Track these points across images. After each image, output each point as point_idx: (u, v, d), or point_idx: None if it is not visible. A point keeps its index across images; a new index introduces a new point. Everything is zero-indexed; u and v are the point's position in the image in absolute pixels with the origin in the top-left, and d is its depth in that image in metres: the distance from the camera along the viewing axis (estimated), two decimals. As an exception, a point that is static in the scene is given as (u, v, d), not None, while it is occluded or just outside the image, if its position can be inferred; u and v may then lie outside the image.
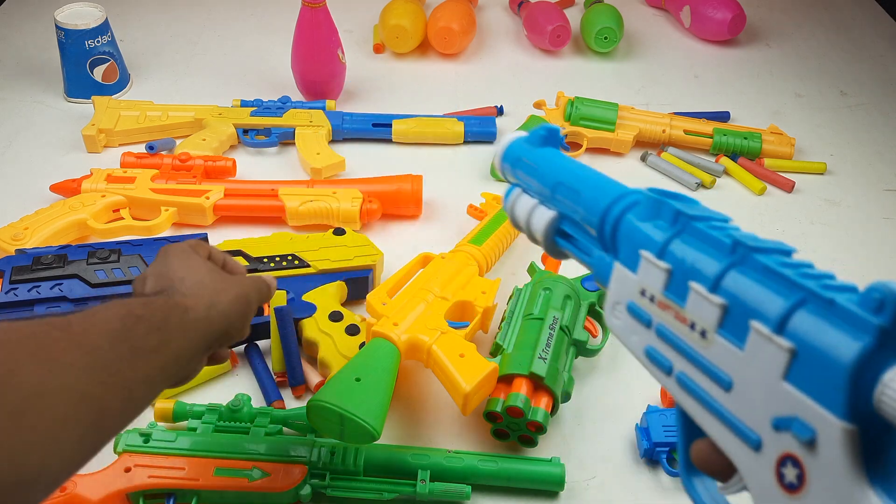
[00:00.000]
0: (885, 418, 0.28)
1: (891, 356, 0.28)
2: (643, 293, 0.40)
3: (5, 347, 0.37)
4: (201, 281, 0.51)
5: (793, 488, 0.31)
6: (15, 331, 0.38)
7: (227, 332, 0.51)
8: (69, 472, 0.38)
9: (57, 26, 1.01)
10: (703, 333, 0.36)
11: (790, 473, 0.31)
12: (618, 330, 0.42)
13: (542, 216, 0.49)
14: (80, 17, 1.03)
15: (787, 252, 0.36)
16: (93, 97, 1.02)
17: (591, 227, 0.45)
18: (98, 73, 1.06)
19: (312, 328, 0.72)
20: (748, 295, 0.34)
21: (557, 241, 0.49)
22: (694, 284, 0.36)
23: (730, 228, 0.38)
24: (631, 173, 1.00)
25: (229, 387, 0.71)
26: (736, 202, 0.97)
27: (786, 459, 0.31)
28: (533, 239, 0.51)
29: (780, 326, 0.31)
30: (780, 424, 0.31)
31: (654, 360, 0.40)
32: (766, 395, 0.32)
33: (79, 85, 1.06)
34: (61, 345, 0.39)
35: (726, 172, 1.00)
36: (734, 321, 0.34)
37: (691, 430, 0.38)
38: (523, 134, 0.54)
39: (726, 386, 0.34)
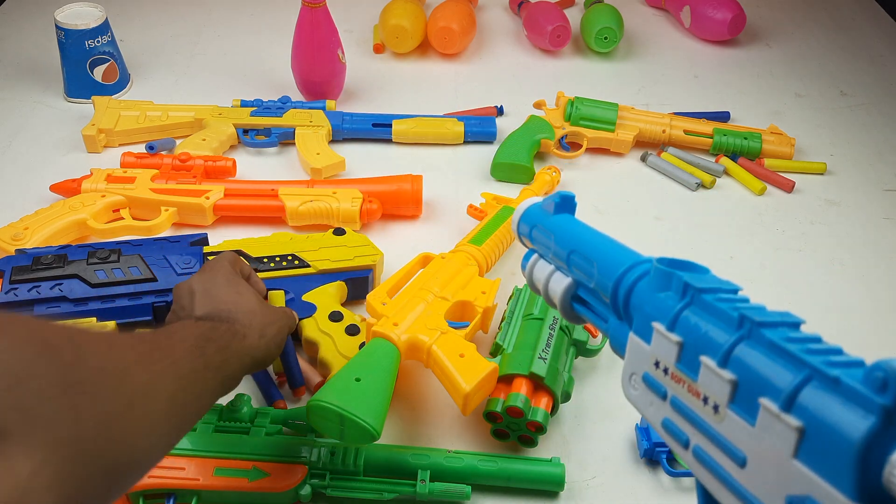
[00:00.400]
0: (894, 498, 0.28)
1: (893, 431, 0.28)
2: (657, 365, 0.40)
3: (119, 351, 0.43)
4: (253, 310, 0.57)
5: None
6: (122, 339, 0.45)
7: (265, 359, 0.57)
8: (156, 463, 0.45)
9: (57, 26, 1.01)
10: (715, 408, 0.36)
11: None
12: (635, 401, 0.43)
13: (559, 283, 0.50)
14: (80, 17, 1.03)
15: (795, 324, 0.36)
16: (93, 97, 1.02)
17: (605, 295, 0.46)
18: (98, 73, 1.06)
19: (312, 328, 0.72)
20: (756, 371, 0.34)
21: (574, 307, 0.50)
22: (704, 359, 0.36)
23: (738, 300, 0.38)
24: (631, 173, 1.00)
25: (229, 387, 0.71)
26: (736, 202, 0.97)
27: None
28: (551, 303, 0.52)
29: (788, 404, 0.32)
30: (794, 503, 0.31)
31: (671, 433, 0.40)
32: (778, 473, 0.32)
33: (79, 85, 1.06)
34: (155, 355, 0.45)
35: (726, 172, 1.00)
36: (745, 397, 0.34)
37: (711, 503, 0.38)
38: (539, 199, 0.56)
39: (740, 462, 0.34)
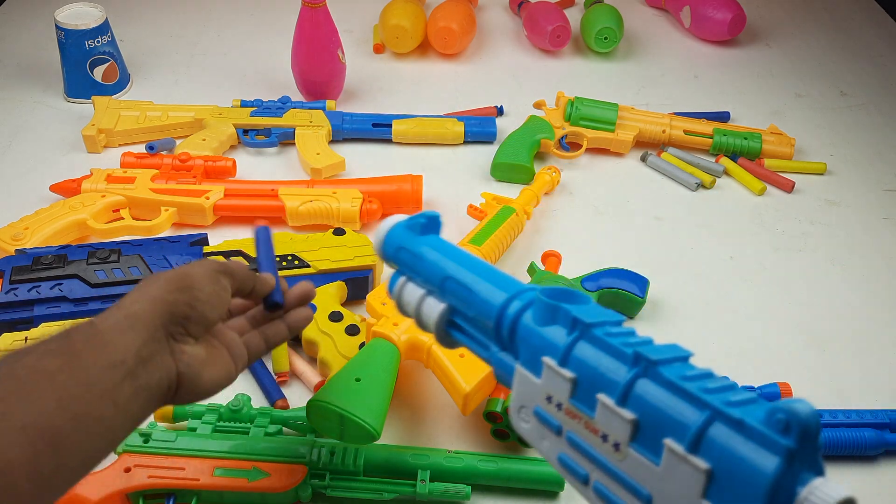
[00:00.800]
0: None
1: (800, 471, 0.30)
2: (549, 399, 0.39)
3: None
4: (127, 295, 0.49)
5: None
6: None
7: (178, 312, 0.48)
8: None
9: (57, 26, 1.01)
10: (616, 446, 0.35)
11: None
12: (527, 434, 0.41)
13: (433, 309, 0.48)
14: (80, 17, 1.03)
15: (685, 357, 0.36)
16: (93, 97, 1.02)
17: (487, 323, 0.44)
18: (98, 74, 1.06)
19: (312, 328, 0.72)
20: (657, 411, 0.34)
21: (451, 333, 0.48)
22: (602, 397, 0.36)
23: (626, 334, 0.38)
24: (631, 173, 1.00)
25: (229, 387, 0.71)
26: (736, 202, 0.97)
27: None
28: (424, 328, 0.49)
29: (694, 446, 0.32)
30: None
31: (568, 469, 0.39)
32: None
33: (79, 85, 1.06)
34: None
35: (726, 173, 1.00)
36: (647, 436, 0.34)
37: None
38: (402, 218, 0.52)
39: (646, 500, 0.34)
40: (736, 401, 0.32)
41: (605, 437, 0.36)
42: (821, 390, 0.74)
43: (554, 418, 0.39)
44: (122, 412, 0.43)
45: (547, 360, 0.39)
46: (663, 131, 1.02)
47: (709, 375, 0.35)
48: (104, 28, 1.04)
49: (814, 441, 0.29)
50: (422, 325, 0.49)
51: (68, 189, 0.88)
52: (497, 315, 0.43)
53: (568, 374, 0.38)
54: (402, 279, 0.51)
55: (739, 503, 0.30)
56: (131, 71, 1.13)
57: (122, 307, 0.47)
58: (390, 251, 0.52)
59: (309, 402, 0.60)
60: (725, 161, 1.01)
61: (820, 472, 0.30)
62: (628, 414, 0.35)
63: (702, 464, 0.31)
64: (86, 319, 0.46)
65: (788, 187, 0.98)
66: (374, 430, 0.58)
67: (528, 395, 0.41)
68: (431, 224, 0.51)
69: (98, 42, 1.03)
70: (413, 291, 0.49)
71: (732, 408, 0.32)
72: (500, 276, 0.46)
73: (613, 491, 0.36)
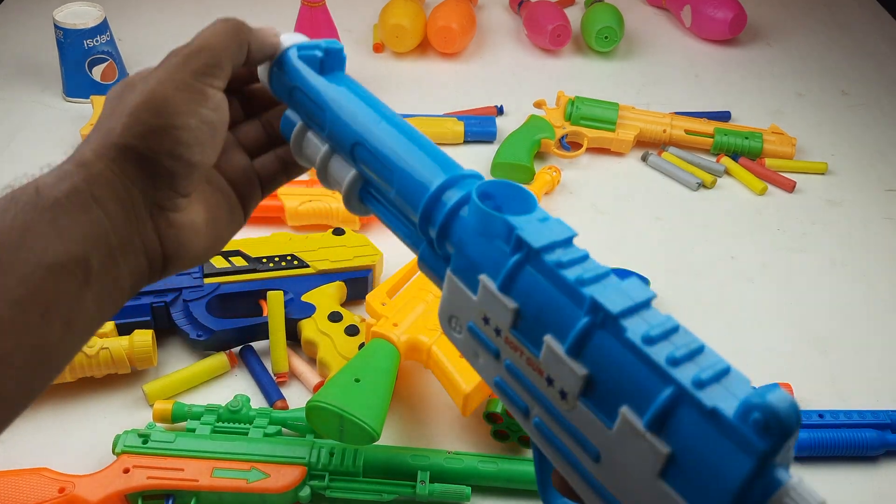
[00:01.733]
0: None
1: (772, 468, 0.27)
2: (486, 321, 0.33)
3: None
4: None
5: None
6: None
7: (160, 170, 0.35)
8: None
9: (55, 26, 1.01)
10: (563, 394, 0.31)
11: None
12: (458, 344, 0.35)
13: (341, 172, 0.38)
14: (79, 16, 1.03)
15: (647, 302, 0.30)
16: (91, 97, 1.02)
17: (412, 214, 0.35)
18: (97, 73, 1.05)
19: (312, 329, 0.72)
20: (615, 374, 0.29)
21: (365, 202, 0.39)
22: (551, 342, 0.30)
23: (580, 261, 0.32)
24: (631, 173, 1.00)
25: (228, 387, 0.71)
26: (737, 202, 0.96)
27: None
28: (331, 188, 0.40)
29: (655, 425, 0.28)
30: None
31: (506, 395, 0.34)
32: (640, 485, 0.29)
33: (77, 84, 1.06)
34: None
35: (727, 172, 1.00)
36: (600, 395, 0.30)
37: (547, 461, 0.34)
38: (297, 40, 0.41)
39: (593, 456, 0.30)
40: (706, 378, 0.28)
41: (550, 381, 0.31)
42: (821, 390, 0.74)
43: (491, 342, 0.33)
44: (77, 332, 0.32)
45: (485, 280, 0.32)
46: (664, 131, 1.01)
47: (675, 330, 0.30)
48: (103, 27, 1.03)
49: (791, 438, 0.26)
50: (327, 184, 0.40)
51: (67, 189, 0.87)
52: (426, 205, 0.34)
53: (510, 303, 0.32)
54: (300, 124, 0.40)
55: (702, 497, 0.27)
56: (130, 70, 1.13)
57: (82, 162, 0.33)
58: (281, 89, 0.40)
59: (308, 403, 0.60)
60: (726, 161, 1.01)
61: (788, 464, 0.27)
62: (580, 368, 0.30)
63: (662, 447, 0.28)
64: (30, 182, 0.32)
65: (789, 187, 0.98)
66: (374, 431, 0.58)
67: (460, 308, 0.34)
68: (333, 59, 0.39)
69: (97, 41, 1.03)
70: (315, 144, 0.39)
71: (702, 390, 0.27)
72: (432, 150, 0.36)
73: (557, 434, 0.32)
